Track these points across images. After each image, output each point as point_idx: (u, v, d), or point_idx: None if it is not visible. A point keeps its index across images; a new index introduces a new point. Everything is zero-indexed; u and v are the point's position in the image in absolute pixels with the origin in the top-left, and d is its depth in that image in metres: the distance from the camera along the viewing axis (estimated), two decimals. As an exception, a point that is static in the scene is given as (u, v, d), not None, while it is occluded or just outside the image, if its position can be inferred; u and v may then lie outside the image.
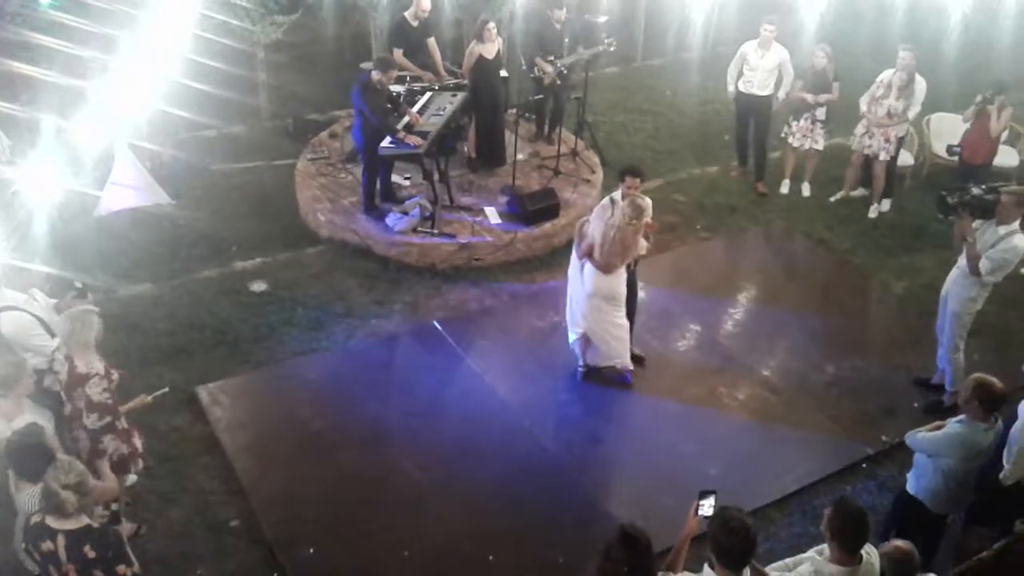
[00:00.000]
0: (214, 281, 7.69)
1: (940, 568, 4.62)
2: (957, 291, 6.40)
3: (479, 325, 7.47)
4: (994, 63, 12.02)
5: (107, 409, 4.94)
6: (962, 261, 6.29)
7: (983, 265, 6.07)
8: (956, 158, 8.73)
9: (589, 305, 6.46)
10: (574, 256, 6.52)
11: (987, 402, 4.64)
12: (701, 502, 3.97)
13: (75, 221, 7.68)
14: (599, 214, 6.35)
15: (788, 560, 4.12)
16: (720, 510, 3.67)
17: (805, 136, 9.14)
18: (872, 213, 9.15)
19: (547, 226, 8.30)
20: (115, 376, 4.98)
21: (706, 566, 3.67)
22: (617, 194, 6.47)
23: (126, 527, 4.40)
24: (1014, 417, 5.14)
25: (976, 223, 6.19)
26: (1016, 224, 6.05)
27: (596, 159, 9.50)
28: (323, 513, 5.63)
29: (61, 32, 7.76)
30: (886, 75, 8.64)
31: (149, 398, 5.23)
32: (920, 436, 4.89)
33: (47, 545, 3.93)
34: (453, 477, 5.93)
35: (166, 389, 5.39)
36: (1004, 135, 8.84)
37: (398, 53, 8.73)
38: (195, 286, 7.61)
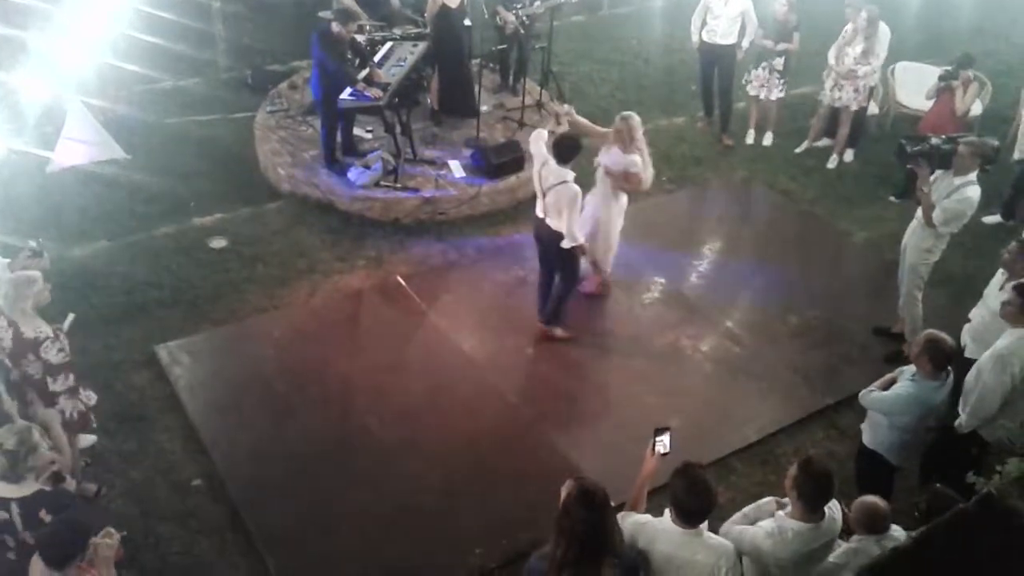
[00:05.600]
0: (172, 238, 7.53)
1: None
2: (914, 242, 6.43)
3: (444, 280, 7.41)
4: (960, 10, 12.02)
5: (70, 368, 4.88)
6: (919, 212, 6.31)
7: (936, 215, 6.09)
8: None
9: None
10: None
11: (937, 359, 4.67)
12: (657, 439, 3.92)
13: (19, 180, 7.43)
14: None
15: (747, 509, 4.16)
16: (684, 467, 3.62)
17: (762, 85, 9.07)
18: (831, 163, 9.15)
19: (512, 179, 8.21)
20: (62, 336, 4.88)
21: (667, 512, 3.69)
22: None
23: (71, 484, 4.34)
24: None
25: (934, 173, 6.20)
26: (972, 175, 6.06)
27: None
28: (287, 471, 5.60)
29: (1, -21, 7.46)
30: (851, 24, 8.57)
31: (64, 327, 5.06)
32: (873, 396, 4.91)
33: (0, 515, 3.86)
34: (418, 433, 5.92)
35: (72, 316, 5.21)
36: (972, 112, 8.36)
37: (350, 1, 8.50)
38: (153, 244, 7.44)
